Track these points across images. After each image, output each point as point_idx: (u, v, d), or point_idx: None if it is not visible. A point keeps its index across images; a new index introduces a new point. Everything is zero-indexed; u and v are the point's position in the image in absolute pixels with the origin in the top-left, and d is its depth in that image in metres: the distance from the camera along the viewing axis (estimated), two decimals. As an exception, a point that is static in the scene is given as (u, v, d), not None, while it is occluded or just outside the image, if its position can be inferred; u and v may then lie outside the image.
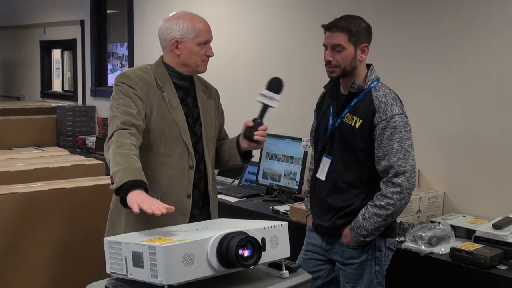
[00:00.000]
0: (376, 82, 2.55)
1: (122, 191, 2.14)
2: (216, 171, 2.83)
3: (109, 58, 6.61)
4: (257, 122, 2.45)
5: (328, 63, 2.53)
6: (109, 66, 6.60)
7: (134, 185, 2.14)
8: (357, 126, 2.50)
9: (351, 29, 2.47)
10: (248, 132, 2.45)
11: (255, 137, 2.44)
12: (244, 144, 2.49)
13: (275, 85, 2.48)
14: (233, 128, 2.74)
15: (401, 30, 3.60)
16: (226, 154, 2.63)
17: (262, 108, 2.47)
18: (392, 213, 2.45)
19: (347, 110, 2.55)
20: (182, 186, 2.46)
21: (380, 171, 2.48)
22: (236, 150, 2.55)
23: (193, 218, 2.49)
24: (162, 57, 2.54)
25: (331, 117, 2.62)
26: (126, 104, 2.36)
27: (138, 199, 2.10)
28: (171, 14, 2.50)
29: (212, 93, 2.64)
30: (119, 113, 2.34)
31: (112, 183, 2.22)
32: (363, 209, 2.49)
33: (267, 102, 2.45)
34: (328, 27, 2.52)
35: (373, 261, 2.57)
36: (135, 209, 2.06)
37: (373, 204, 2.47)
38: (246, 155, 2.58)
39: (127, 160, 2.20)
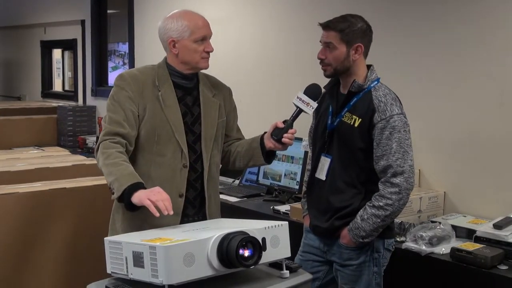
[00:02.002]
0: (376, 82, 2.55)
1: (125, 198, 2.24)
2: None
3: (110, 56, 6.61)
4: (288, 124, 2.43)
5: (320, 61, 2.55)
6: (111, 64, 6.59)
7: (133, 188, 2.24)
8: (356, 125, 2.50)
9: (344, 29, 2.48)
10: (277, 133, 2.44)
11: (283, 139, 2.43)
12: (270, 143, 2.48)
13: (314, 92, 2.48)
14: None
15: (401, 31, 3.60)
16: (246, 155, 2.60)
17: (296, 112, 2.46)
18: (390, 214, 2.45)
19: (346, 109, 2.55)
20: (174, 185, 2.46)
21: (378, 171, 2.48)
22: (259, 150, 2.53)
23: (186, 218, 2.50)
24: (166, 57, 2.55)
25: (329, 117, 2.62)
26: (114, 110, 2.44)
27: (147, 195, 2.20)
28: (168, 14, 2.51)
29: (220, 93, 2.62)
30: (105, 122, 2.44)
31: (113, 193, 2.30)
32: (361, 210, 2.48)
33: (303, 107, 2.45)
34: (323, 26, 2.54)
35: (372, 262, 2.57)
36: (151, 206, 2.16)
37: (371, 205, 2.46)
38: (269, 155, 2.56)
39: (118, 168, 2.29)
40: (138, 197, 2.21)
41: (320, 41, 2.55)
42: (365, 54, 2.56)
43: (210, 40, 2.51)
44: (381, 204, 2.44)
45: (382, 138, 2.44)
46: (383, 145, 2.44)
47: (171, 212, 2.18)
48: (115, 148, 2.36)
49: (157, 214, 2.18)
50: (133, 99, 2.44)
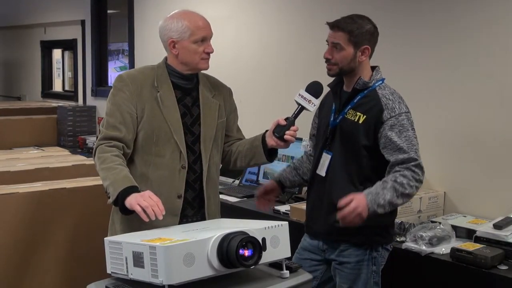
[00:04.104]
0: (381, 82, 2.56)
1: (119, 203, 2.27)
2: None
3: (118, 56, 6.57)
4: (290, 121, 2.43)
5: (326, 60, 2.55)
6: (120, 64, 6.54)
7: (128, 191, 2.26)
8: (360, 121, 2.50)
9: (353, 31, 2.48)
10: (279, 130, 2.43)
11: (286, 137, 2.42)
12: (272, 141, 2.47)
13: (315, 89, 2.47)
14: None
15: (401, 31, 3.60)
16: (247, 154, 2.59)
17: (298, 109, 2.46)
18: (407, 195, 2.41)
19: (349, 106, 2.55)
20: (173, 186, 2.46)
21: (395, 162, 2.44)
22: (261, 148, 2.52)
23: (185, 219, 2.50)
24: (166, 57, 2.55)
25: (332, 114, 2.62)
26: (110, 114, 2.45)
27: (137, 200, 2.22)
28: (169, 14, 2.51)
29: (221, 93, 2.62)
30: (102, 126, 2.46)
31: (109, 197, 2.32)
32: (380, 182, 2.42)
33: (305, 104, 2.44)
34: (330, 26, 2.54)
35: (370, 261, 2.57)
36: (141, 213, 2.19)
37: (393, 179, 2.41)
38: (271, 153, 2.55)
39: (112, 173, 2.32)
40: (129, 203, 2.23)
41: (327, 41, 2.55)
42: (370, 56, 2.57)
43: (211, 40, 2.51)
44: (404, 182, 2.40)
45: (393, 135, 2.44)
46: (395, 140, 2.44)
47: (160, 217, 2.20)
48: (110, 152, 2.37)
49: (147, 220, 2.20)
50: (131, 100, 2.44)
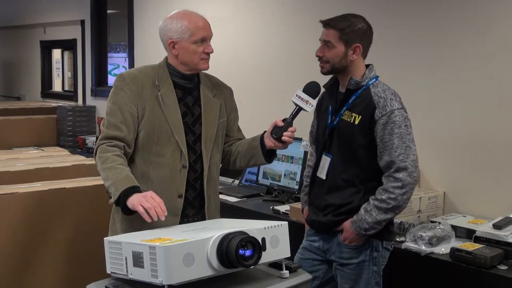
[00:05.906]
0: (374, 80, 2.56)
1: (121, 202, 2.26)
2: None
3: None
4: (288, 123, 2.43)
5: (318, 59, 2.56)
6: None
7: (129, 191, 2.26)
8: (356, 122, 2.51)
9: (344, 29, 2.49)
10: (277, 131, 2.43)
11: (283, 138, 2.43)
12: (270, 142, 2.47)
13: (313, 89, 2.48)
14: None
15: (401, 30, 3.60)
16: (246, 154, 2.58)
17: (295, 110, 2.46)
18: (393, 207, 2.45)
19: (345, 107, 2.56)
20: (173, 186, 2.46)
21: (382, 166, 2.49)
22: (260, 148, 2.52)
23: (186, 218, 2.50)
24: (166, 57, 2.55)
25: (329, 116, 2.62)
26: (111, 113, 2.45)
27: (139, 201, 2.21)
28: (169, 15, 2.51)
29: (221, 93, 2.62)
30: (103, 126, 2.46)
31: (110, 197, 2.32)
32: (365, 203, 2.50)
33: (302, 105, 2.45)
34: (323, 23, 2.56)
35: (371, 261, 2.57)
36: (144, 214, 2.19)
37: (374, 197, 2.47)
38: (269, 154, 2.55)
39: (114, 173, 2.32)
40: (131, 203, 2.23)
41: (320, 39, 2.56)
42: (364, 55, 2.57)
43: (211, 40, 2.51)
44: (383, 197, 2.45)
45: (384, 134, 2.46)
46: (386, 141, 2.46)
47: (163, 218, 2.20)
48: (111, 152, 2.37)
49: (149, 220, 2.20)
50: (132, 99, 2.44)
